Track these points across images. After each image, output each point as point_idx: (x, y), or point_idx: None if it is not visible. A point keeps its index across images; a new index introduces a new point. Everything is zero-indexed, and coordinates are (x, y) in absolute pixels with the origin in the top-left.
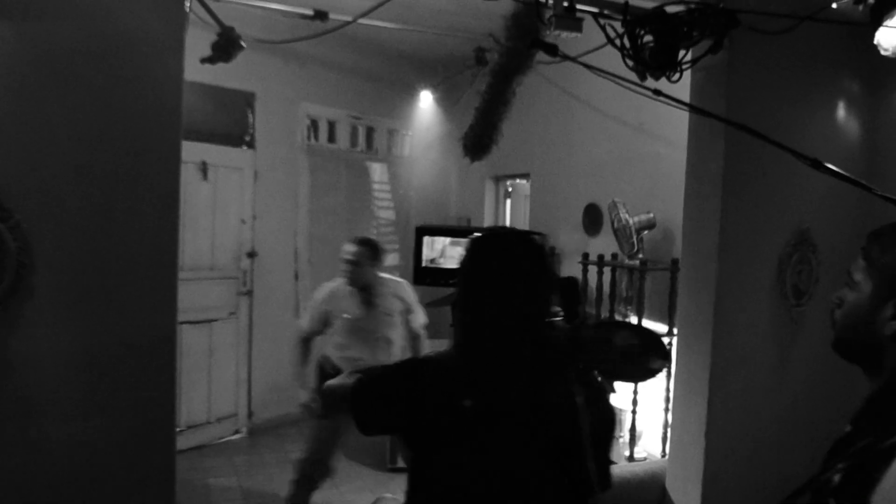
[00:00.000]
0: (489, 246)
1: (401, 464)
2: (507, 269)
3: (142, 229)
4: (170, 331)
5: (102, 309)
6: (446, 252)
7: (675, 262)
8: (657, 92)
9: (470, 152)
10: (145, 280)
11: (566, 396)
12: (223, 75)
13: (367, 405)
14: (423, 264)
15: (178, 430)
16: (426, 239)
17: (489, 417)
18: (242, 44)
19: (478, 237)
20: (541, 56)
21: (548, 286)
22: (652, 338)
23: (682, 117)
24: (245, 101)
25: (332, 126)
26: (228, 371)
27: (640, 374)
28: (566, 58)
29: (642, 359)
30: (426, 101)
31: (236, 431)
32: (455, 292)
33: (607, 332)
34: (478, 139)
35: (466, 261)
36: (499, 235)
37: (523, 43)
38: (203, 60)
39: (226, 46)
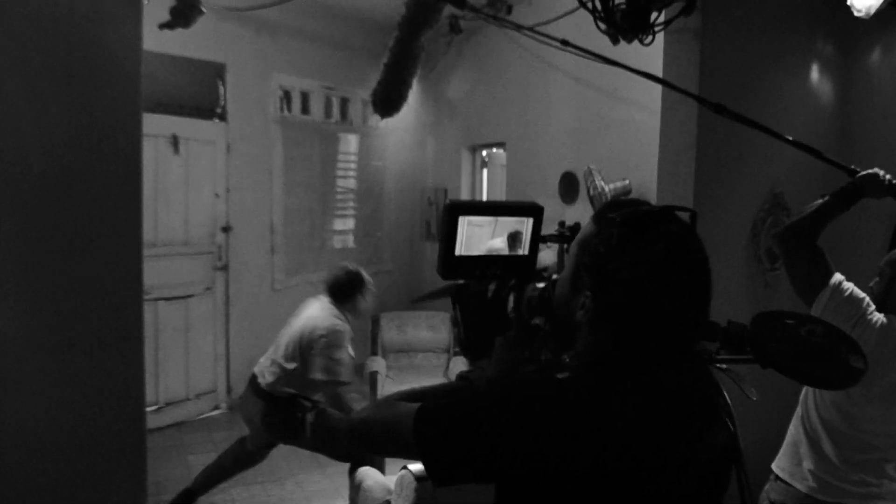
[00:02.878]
0: (666, 236)
1: None
2: (698, 268)
3: (103, 202)
4: (135, 305)
5: (64, 285)
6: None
7: None
8: (565, 42)
9: (379, 109)
10: (108, 254)
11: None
12: (192, 46)
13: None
14: (458, 252)
15: (156, 407)
16: (462, 220)
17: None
18: (202, 8)
19: (637, 221)
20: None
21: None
22: (839, 330)
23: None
24: (215, 72)
25: (305, 97)
26: (206, 347)
27: (838, 376)
28: (474, 11)
29: (838, 356)
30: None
31: (216, 407)
32: (590, 297)
33: (790, 323)
34: (386, 95)
35: (629, 255)
36: (671, 219)
37: None
38: (161, 26)
39: (184, 11)
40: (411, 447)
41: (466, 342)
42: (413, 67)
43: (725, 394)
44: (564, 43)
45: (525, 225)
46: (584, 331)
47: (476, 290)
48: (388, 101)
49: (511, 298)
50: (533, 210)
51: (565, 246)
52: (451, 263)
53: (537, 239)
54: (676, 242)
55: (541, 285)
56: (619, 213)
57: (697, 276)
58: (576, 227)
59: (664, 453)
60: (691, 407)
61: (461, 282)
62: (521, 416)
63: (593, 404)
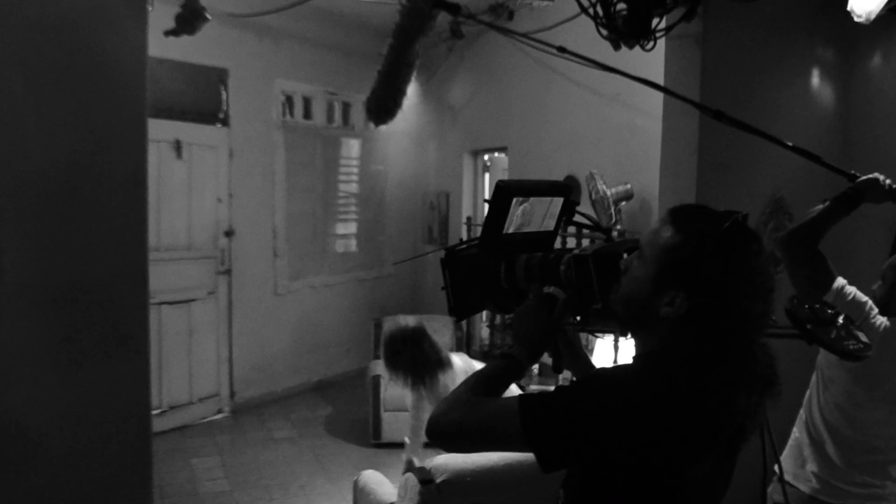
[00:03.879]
0: (748, 247)
1: (384, 440)
2: (769, 272)
3: (109, 207)
4: (141, 310)
5: (70, 290)
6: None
7: None
8: (561, 49)
9: (373, 116)
10: (114, 259)
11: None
12: (195, 52)
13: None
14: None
15: (159, 410)
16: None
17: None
18: (207, 16)
19: (727, 234)
20: (514, 28)
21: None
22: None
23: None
24: (218, 77)
25: (307, 102)
26: (209, 351)
27: (855, 347)
28: (470, 17)
29: (851, 331)
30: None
31: (219, 411)
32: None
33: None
34: (381, 103)
35: (721, 264)
36: (747, 231)
37: (425, 2)
38: (167, 33)
39: (189, 18)
40: (516, 438)
41: (454, 305)
42: (408, 75)
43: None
44: (561, 50)
45: (556, 204)
46: (665, 325)
47: (465, 255)
48: (382, 108)
49: (503, 265)
50: (565, 189)
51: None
52: (500, 241)
53: (567, 216)
54: (756, 254)
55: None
56: (711, 226)
57: (770, 281)
58: (573, 204)
59: (742, 433)
60: (757, 389)
61: (449, 246)
62: (623, 406)
63: (685, 397)
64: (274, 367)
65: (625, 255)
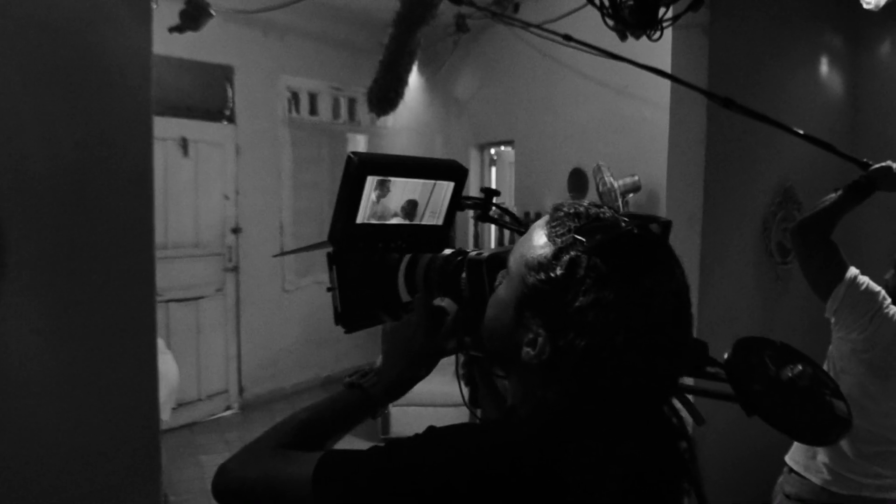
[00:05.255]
0: (648, 270)
1: (393, 434)
2: (682, 309)
3: (115, 206)
4: (148, 308)
5: (77, 289)
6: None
7: None
8: (567, 37)
9: (375, 107)
10: (121, 258)
11: None
12: (201, 49)
13: None
14: (360, 220)
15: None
16: (371, 180)
17: None
18: (211, 12)
19: (614, 249)
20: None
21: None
22: (824, 373)
23: (666, 79)
24: (224, 74)
25: (313, 98)
26: (217, 348)
27: (824, 427)
28: (471, 5)
29: (824, 403)
30: (413, 66)
31: (228, 408)
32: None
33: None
34: (383, 93)
35: (600, 293)
36: (653, 245)
37: None
38: (171, 30)
39: (194, 14)
40: None
41: (343, 312)
42: (409, 65)
43: (694, 470)
44: (567, 38)
45: (442, 190)
46: (530, 372)
47: (359, 252)
48: (384, 98)
49: (402, 268)
50: (455, 172)
51: (477, 213)
52: (351, 232)
53: (456, 207)
54: (659, 280)
55: (447, 252)
56: (589, 236)
57: (682, 319)
58: (491, 192)
59: None
60: (646, 490)
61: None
62: (437, 495)
63: (535, 485)
64: (282, 364)
65: None
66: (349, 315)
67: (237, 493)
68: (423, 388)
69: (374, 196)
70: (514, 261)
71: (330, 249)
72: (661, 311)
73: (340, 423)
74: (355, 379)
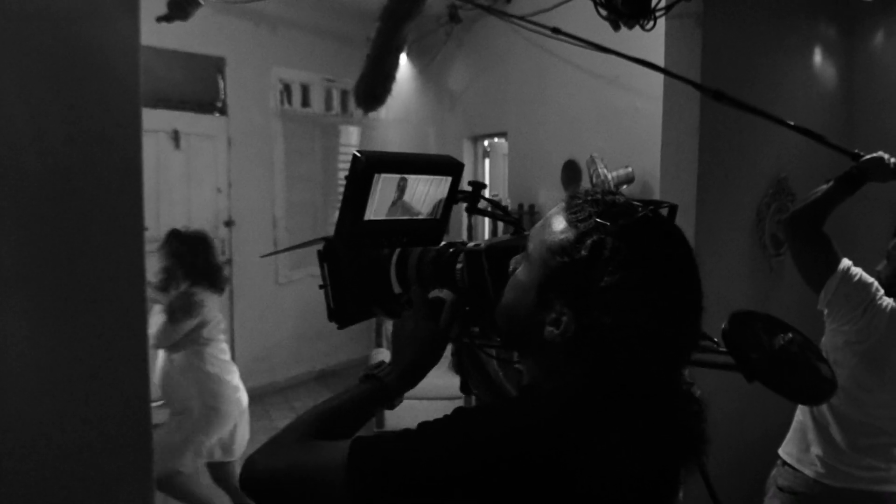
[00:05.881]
0: (666, 250)
1: (388, 427)
2: (695, 286)
3: (104, 199)
4: (138, 302)
5: (66, 283)
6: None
7: None
8: (555, 30)
9: (362, 103)
10: (110, 251)
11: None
12: (191, 40)
13: None
14: (369, 216)
15: (160, 402)
16: (378, 178)
17: None
18: (200, 1)
19: (634, 232)
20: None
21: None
22: (808, 340)
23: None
24: (215, 66)
25: (305, 90)
26: None
27: (812, 388)
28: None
29: (812, 367)
30: (400, 60)
31: None
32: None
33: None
34: (370, 89)
35: (624, 274)
36: (668, 230)
37: None
38: (159, 19)
39: (182, 3)
40: (339, 495)
41: (336, 308)
42: (396, 60)
43: (705, 428)
44: (555, 31)
45: (441, 185)
46: (551, 350)
47: (350, 247)
48: (370, 95)
49: (393, 262)
50: (453, 168)
51: (465, 205)
52: (359, 230)
53: (452, 201)
54: (675, 258)
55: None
56: (612, 221)
57: (695, 296)
58: (478, 185)
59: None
60: (667, 449)
61: (330, 237)
62: (466, 467)
63: (555, 465)
64: (276, 357)
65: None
66: (342, 311)
67: (266, 483)
68: None
69: (394, 195)
70: (533, 246)
71: (320, 247)
72: (678, 285)
73: (359, 413)
74: (370, 371)
